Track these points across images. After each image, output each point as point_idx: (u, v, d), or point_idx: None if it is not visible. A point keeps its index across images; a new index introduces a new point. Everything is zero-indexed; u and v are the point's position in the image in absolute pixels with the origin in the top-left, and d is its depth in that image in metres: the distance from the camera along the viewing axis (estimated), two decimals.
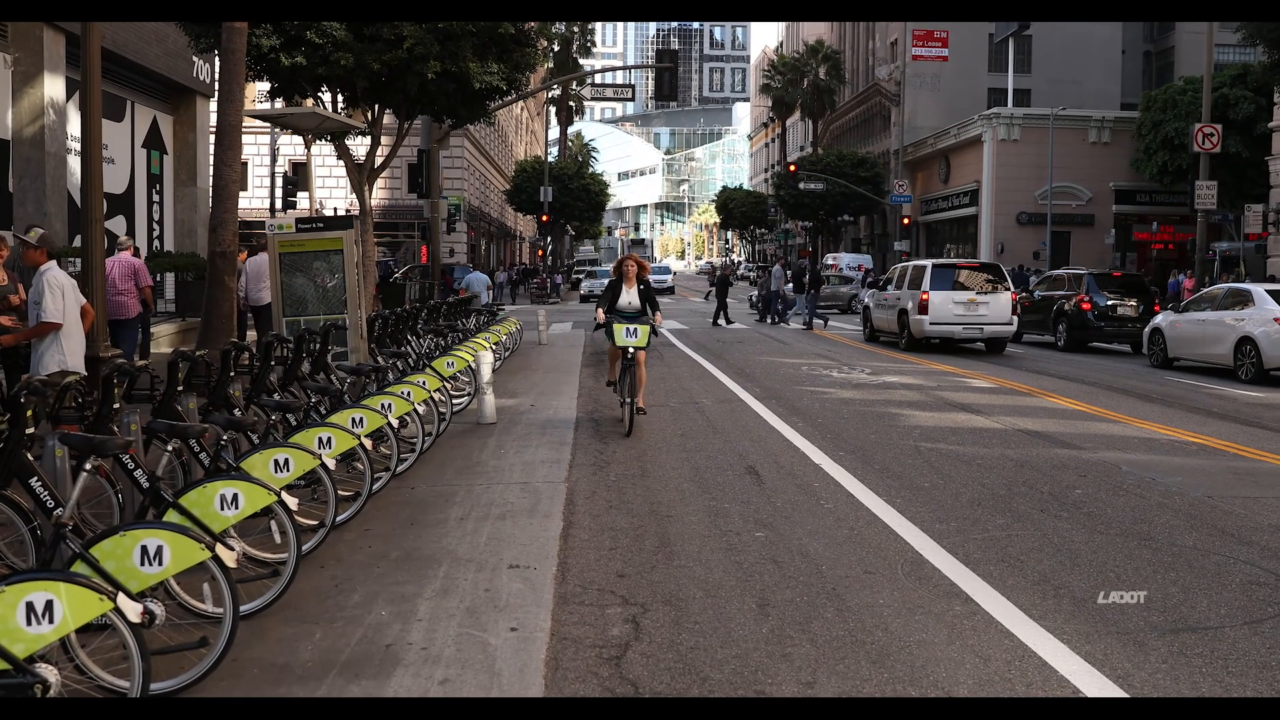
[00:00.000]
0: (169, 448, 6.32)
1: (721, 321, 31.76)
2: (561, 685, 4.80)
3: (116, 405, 6.69)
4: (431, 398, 10.35)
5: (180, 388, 7.51)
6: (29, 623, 3.91)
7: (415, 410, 9.56)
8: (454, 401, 12.26)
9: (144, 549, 4.65)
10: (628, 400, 11.77)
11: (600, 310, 12.53)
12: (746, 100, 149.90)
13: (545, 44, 25.90)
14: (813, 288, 31.49)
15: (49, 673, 3.93)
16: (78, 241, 12.58)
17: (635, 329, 11.85)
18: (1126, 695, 4.73)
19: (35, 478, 5.38)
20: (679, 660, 5.10)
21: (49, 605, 3.93)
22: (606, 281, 14.16)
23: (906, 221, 53.37)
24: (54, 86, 17.97)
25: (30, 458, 5.46)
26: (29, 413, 5.48)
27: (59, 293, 8.45)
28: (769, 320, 33.04)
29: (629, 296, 12.60)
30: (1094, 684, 4.81)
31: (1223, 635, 5.49)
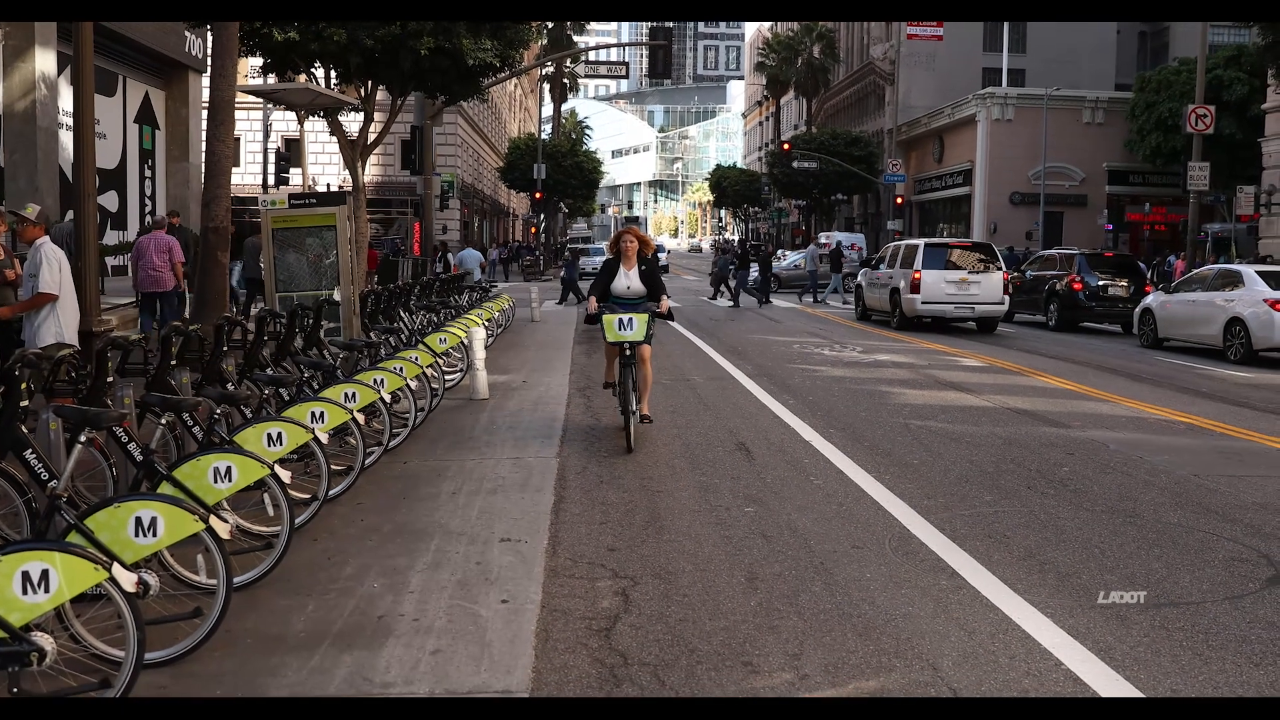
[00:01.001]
0: (163, 421, 6.36)
1: (770, 299, 32.73)
2: (551, 656, 4.87)
3: (110, 379, 6.72)
4: (424, 373, 10.39)
5: (174, 362, 7.53)
6: (25, 592, 3.95)
7: (408, 386, 9.61)
8: (446, 377, 12.29)
9: (138, 520, 4.69)
10: (631, 410, 9.68)
11: (592, 299, 10.30)
12: (741, 78, 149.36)
13: (539, 21, 25.81)
14: (745, 268, 31.77)
15: (45, 641, 3.98)
16: (70, 216, 12.59)
17: (631, 319, 9.74)
18: (1118, 691, 4.79)
19: (30, 450, 5.41)
20: (668, 632, 5.16)
21: (44, 575, 3.98)
22: (600, 260, 11.69)
23: (900, 201, 53.32)
24: (45, 60, 17.89)
25: (25, 430, 5.50)
26: (23, 385, 5.50)
27: (55, 265, 8.48)
28: (717, 297, 33.00)
29: (628, 280, 10.33)
30: (1076, 656, 4.88)
31: (1204, 610, 5.57)
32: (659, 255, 39.80)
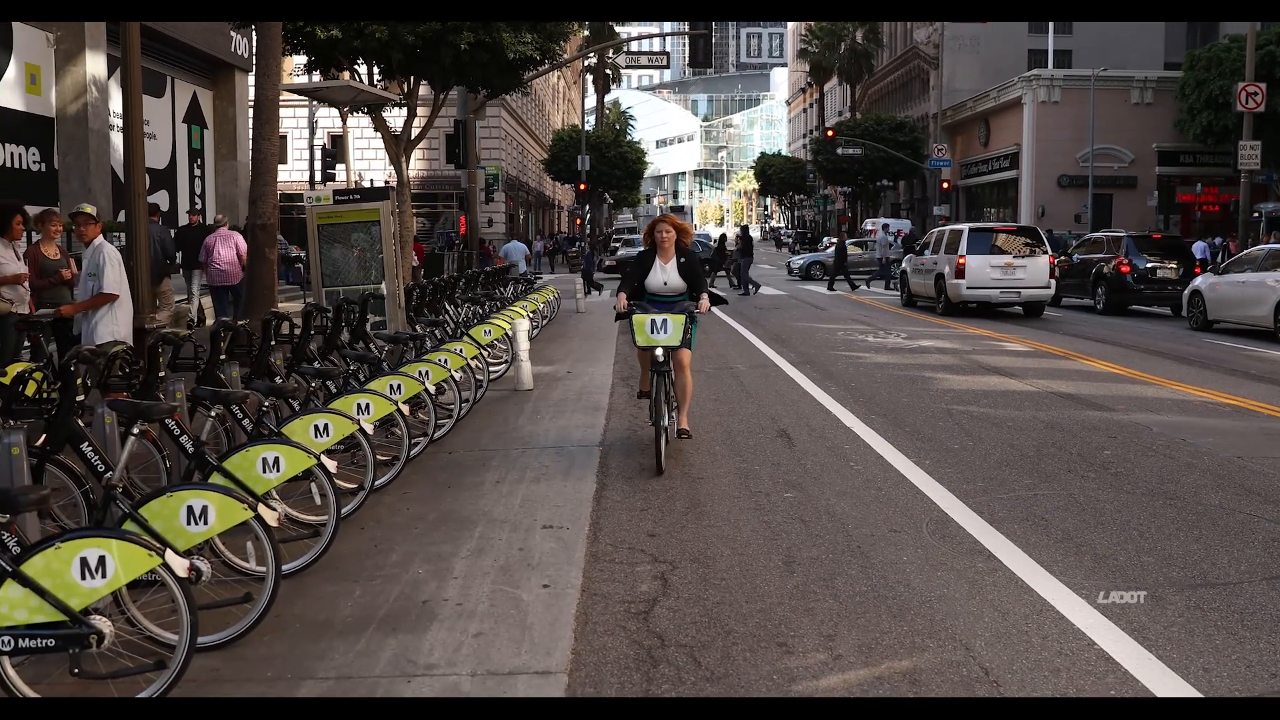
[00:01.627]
0: (213, 413, 6.54)
1: (837, 289, 33.31)
2: (590, 638, 4.98)
3: (162, 373, 6.94)
4: (468, 365, 10.54)
5: (223, 356, 7.74)
6: (83, 577, 4.11)
7: (452, 377, 9.75)
8: (491, 368, 12.44)
9: (190, 509, 4.84)
10: (661, 423, 8.37)
11: (621, 296, 8.89)
12: (784, 65, 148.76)
13: (578, 20, 25.94)
14: (745, 256, 31.98)
15: (103, 624, 4.15)
16: (122, 216, 12.88)
17: (665, 321, 8.35)
18: (1148, 669, 4.83)
19: (86, 443, 5.61)
20: (705, 614, 5.26)
21: (102, 560, 4.14)
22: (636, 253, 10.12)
23: (946, 186, 52.86)
24: (95, 64, 18.25)
25: (81, 424, 5.70)
26: (79, 381, 5.70)
27: (116, 265, 8.72)
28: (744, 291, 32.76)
29: (664, 274, 9.00)
30: (1110, 637, 4.92)
31: (1240, 591, 5.57)
32: (725, 240, 39.40)
